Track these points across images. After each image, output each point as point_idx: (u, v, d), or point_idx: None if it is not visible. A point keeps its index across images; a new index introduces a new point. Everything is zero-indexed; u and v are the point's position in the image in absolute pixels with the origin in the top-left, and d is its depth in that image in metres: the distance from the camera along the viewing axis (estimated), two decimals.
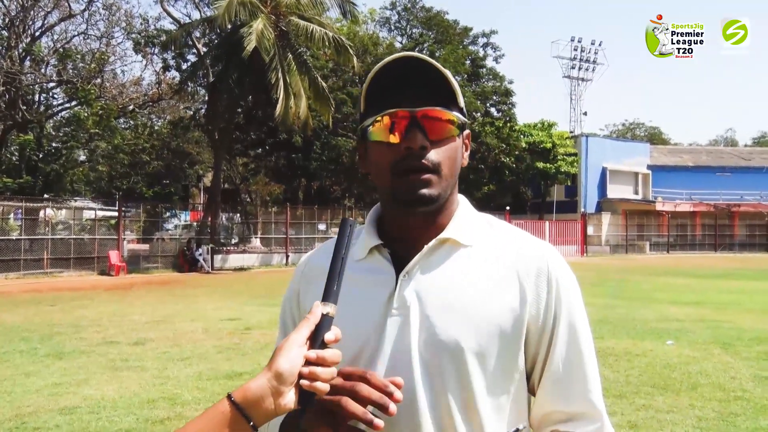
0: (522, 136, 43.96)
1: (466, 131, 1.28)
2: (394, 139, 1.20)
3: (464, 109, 1.25)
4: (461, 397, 1.17)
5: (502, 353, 1.20)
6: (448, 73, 1.19)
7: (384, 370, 1.20)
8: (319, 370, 1.01)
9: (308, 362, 1.01)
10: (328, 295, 1.07)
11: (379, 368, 1.20)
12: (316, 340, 1.03)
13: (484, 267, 1.24)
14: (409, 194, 1.21)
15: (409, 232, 1.27)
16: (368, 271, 1.28)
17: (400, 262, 1.25)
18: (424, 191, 1.20)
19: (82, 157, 32.52)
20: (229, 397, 0.99)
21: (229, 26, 26.59)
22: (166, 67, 34.49)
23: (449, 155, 1.21)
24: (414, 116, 1.18)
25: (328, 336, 1.04)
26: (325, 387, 1.01)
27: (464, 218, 1.30)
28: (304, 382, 1.00)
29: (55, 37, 30.66)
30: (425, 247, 1.24)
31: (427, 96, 1.19)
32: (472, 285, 1.22)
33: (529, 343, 1.23)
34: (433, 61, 1.18)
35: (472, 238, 1.27)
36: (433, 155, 1.19)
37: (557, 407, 1.24)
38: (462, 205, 1.32)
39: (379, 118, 1.21)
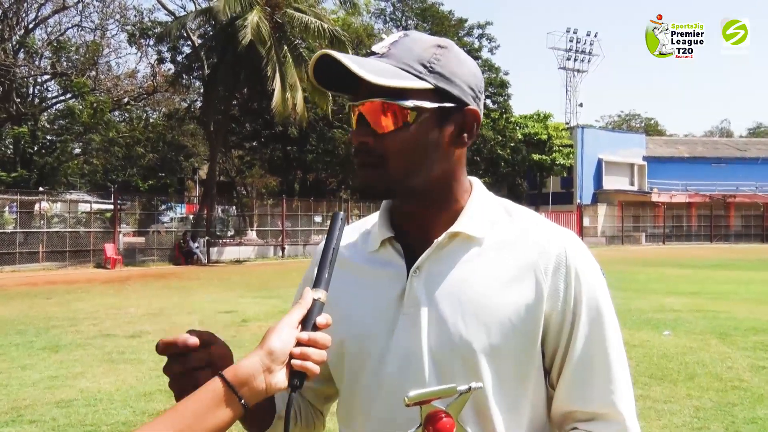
0: (518, 128, 43.99)
1: (470, 107, 1.18)
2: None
3: (444, 88, 1.15)
4: (472, 399, 1.11)
5: (516, 353, 1.16)
6: (359, 70, 1.08)
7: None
8: (310, 350, 1.01)
9: (299, 344, 1.02)
10: (320, 282, 1.09)
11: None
12: (307, 323, 1.04)
13: (498, 262, 1.19)
14: (359, 187, 1.21)
15: (418, 223, 1.24)
16: (380, 264, 1.25)
17: (412, 255, 1.22)
18: (369, 183, 1.18)
19: (77, 150, 32.42)
20: (220, 375, 0.99)
21: (226, 19, 26.49)
22: (160, 60, 34.42)
23: (403, 142, 1.15)
24: (358, 110, 1.16)
25: (320, 320, 1.04)
26: (315, 368, 1.01)
27: (477, 207, 1.24)
28: (295, 362, 1.00)
29: (49, 29, 30.63)
30: (435, 242, 1.20)
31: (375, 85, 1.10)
32: (484, 282, 1.17)
33: (547, 339, 1.19)
34: (347, 61, 1.08)
35: (485, 230, 1.21)
36: (380, 147, 1.15)
37: (576, 406, 1.19)
38: (476, 191, 1.27)
39: (349, 107, 1.20)
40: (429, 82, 1.14)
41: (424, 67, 1.14)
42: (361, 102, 1.15)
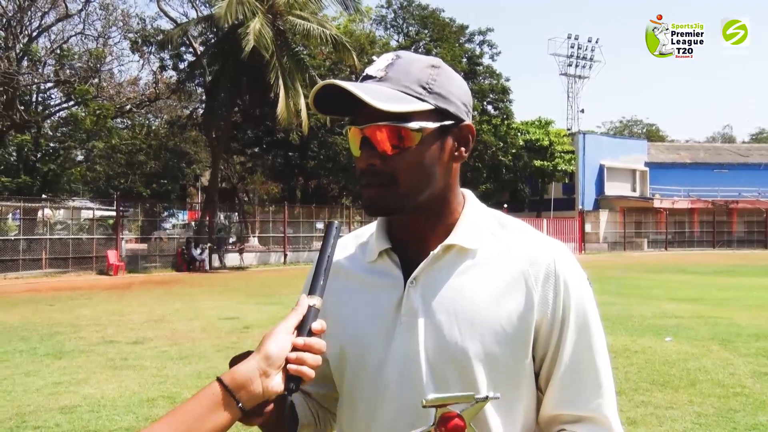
0: (519, 134, 44.03)
1: (465, 123, 1.25)
2: (356, 153, 1.22)
3: (443, 107, 1.20)
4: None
5: (509, 359, 1.20)
6: (368, 99, 1.11)
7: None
8: (306, 355, 1.05)
9: (295, 349, 1.05)
10: (315, 289, 1.13)
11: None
12: (303, 329, 1.08)
13: (491, 272, 1.23)
14: (367, 205, 1.24)
15: (415, 235, 1.27)
16: (377, 274, 1.29)
17: (408, 266, 1.26)
18: (378, 203, 1.22)
19: (80, 157, 32.48)
20: (218, 379, 1.04)
21: (227, 25, 26.55)
22: (163, 67, 34.41)
23: (411, 162, 1.19)
24: (363, 134, 1.19)
25: (315, 325, 1.08)
26: (311, 372, 1.05)
27: (471, 219, 1.28)
28: (291, 366, 1.04)
29: (53, 37, 30.62)
30: (431, 254, 1.23)
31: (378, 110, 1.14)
32: (479, 291, 1.21)
33: (537, 345, 1.23)
34: (357, 91, 1.11)
35: (479, 242, 1.25)
36: (388, 166, 1.19)
37: (564, 410, 1.24)
38: (469, 203, 1.31)
39: (348, 129, 1.23)
40: (430, 103, 1.19)
41: (424, 88, 1.19)
42: (366, 126, 1.18)
